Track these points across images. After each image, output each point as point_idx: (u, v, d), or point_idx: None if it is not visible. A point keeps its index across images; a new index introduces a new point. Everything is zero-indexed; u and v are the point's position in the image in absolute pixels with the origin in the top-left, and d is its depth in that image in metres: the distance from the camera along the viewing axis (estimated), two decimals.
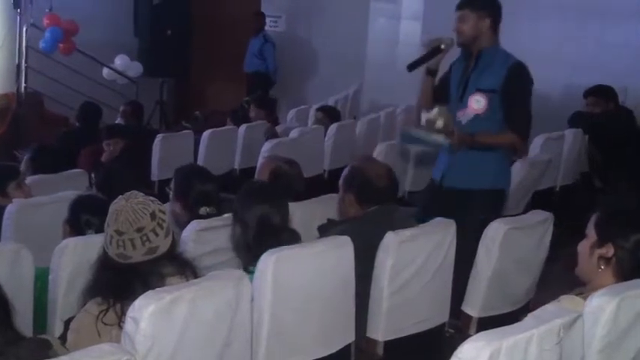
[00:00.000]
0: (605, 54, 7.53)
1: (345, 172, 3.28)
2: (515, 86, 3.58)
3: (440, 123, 3.37)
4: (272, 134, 6.08)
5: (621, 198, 2.15)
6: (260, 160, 5.24)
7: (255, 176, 5.07)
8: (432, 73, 3.75)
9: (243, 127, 6.19)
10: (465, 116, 3.63)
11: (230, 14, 10.08)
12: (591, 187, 5.96)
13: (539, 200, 5.07)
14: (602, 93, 6.17)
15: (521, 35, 7.42)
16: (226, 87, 9.96)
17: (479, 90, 3.61)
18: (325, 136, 6.11)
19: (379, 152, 5.11)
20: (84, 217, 2.99)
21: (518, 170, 4.72)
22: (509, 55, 3.68)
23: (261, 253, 2.49)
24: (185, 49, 9.70)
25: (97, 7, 9.65)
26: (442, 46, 3.63)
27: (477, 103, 3.59)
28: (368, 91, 9.41)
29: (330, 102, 7.98)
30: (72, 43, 8.67)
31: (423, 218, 3.23)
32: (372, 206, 3.10)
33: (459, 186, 3.66)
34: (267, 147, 5.33)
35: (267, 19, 9.38)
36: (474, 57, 3.66)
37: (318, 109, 6.71)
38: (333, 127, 6.14)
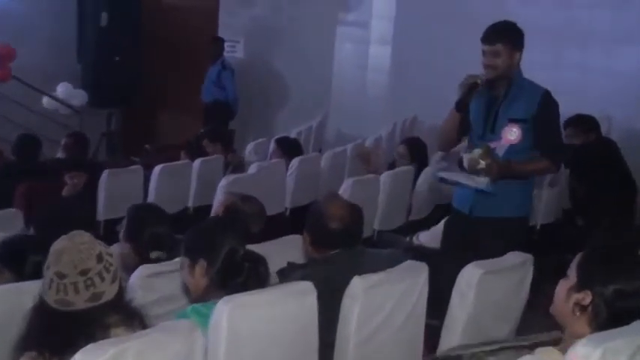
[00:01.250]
0: (587, 80, 7.69)
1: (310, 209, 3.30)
2: (549, 113, 3.87)
3: (483, 164, 3.64)
4: (238, 165, 6.08)
5: (608, 240, 2.17)
6: (217, 197, 5.24)
7: (211, 215, 5.09)
8: (462, 110, 3.90)
9: (198, 162, 6.18)
10: (499, 148, 3.83)
11: (185, 39, 10.13)
12: (574, 225, 6.04)
13: None
14: (581, 123, 6.25)
15: None
16: (181, 118, 9.97)
17: (512, 120, 3.84)
18: (287, 171, 6.12)
19: (345, 189, 5.14)
20: (20, 259, 2.96)
21: None
22: (533, 82, 3.94)
23: (231, 287, 2.51)
24: (135, 77, 9.70)
25: (37, 30, 9.60)
26: (479, 81, 3.84)
27: (512, 134, 3.84)
28: (334, 121, 9.47)
29: (293, 133, 8.01)
30: (8, 70, 8.62)
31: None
32: (328, 250, 3.11)
33: (489, 214, 3.89)
34: (223, 183, 5.33)
35: (226, 45, 9.44)
36: (502, 87, 3.88)
37: (275, 141, 6.74)
38: (295, 161, 6.15)
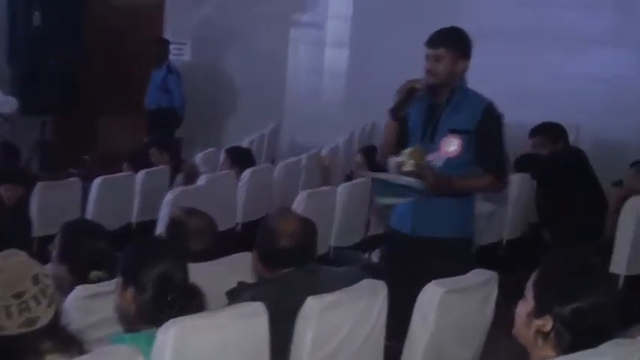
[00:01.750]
0: (554, 85, 7.82)
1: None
2: (493, 126, 3.84)
3: (410, 165, 3.59)
4: (192, 175, 6.06)
5: (564, 256, 2.17)
6: (162, 212, 5.21)
7: (156, 231, 5.06)
8: (400, 118, 3.90)
9: (142, 174, 6.15)
10: (437, 160, 3.78)
11: (129, 41, 10.07)
12: (541, 240, 6.12)
13: (482, 257, 5.17)
14: (549, 131, 6.31)
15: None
16: (123, 126, 9.90)
17: (452, 131, 3.80)
18: (238, 183, 6.12)
19: (300, 202, 5.15)
20: None
21: None
22: (478, 93, 3.92)
23: (160, 320, 2.48)
24: (73, 81, 9.60)
25: None
26: (417, 86, 3.83)
27: (451, 145, 3.79)
28: (288, 129, 9.50)
29: (245, 142, 8.02)
30: None
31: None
32: (279, 269, 3.12)
33: (430, 234, 3.86)
34: (170, 197, 5.31)
35: (171, 47, 9.43)
36: (444, 95, 3.86)
37: (225, 151, 6.74)
38: (246, 172, 6.15)
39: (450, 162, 3.79)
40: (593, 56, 7.71)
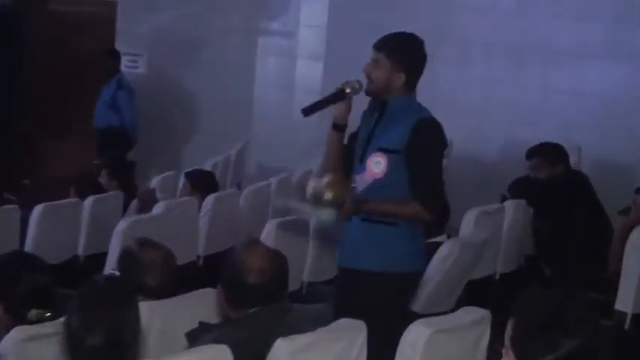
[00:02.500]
0: (548, 102, 7.90)
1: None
2: (419, 145, 3.76)
3: (328, 195, 3.55)
4: (149, 197, 6.02)
5: (537, 300, 2.17)
6: (113, 245, 5.18)
7: (106, 266, 5.03)
8: (339, 127, 3.89)
9: (90, 200, 6.12)
10: (362, 182, 3.77)
11: (75, 52, 10.04)
12: (540, 275, 6.14)
13: (474, 293, 5.19)
14: (547, 153, 6.35)
15: (443, 80, 7.74)
16: (69, 147, 9.85)
17: (380, 149, 3.77)
18: (200, 210, 6.11)
19: (269, 233, 5.15)
20: None
21: (445, 254, 4.84)
22: (423, 109, 3.86)
23: None
24: (11, 98, 9.55)
25: None
26: (347, 90, 3.78)
27: (376, 165, 3.76)
28: (256, 151, 9.50)
29: (207, 166, 8.00)
30: None
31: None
32: (246, 308, 3.10)
33: (355, 265, 3.84)
34: (122, 226, 5.28)
35: (123, 59, 9.40)
36: (380, 108, 3.85)
37: (185, 175, 6.72)
38: (209, 199, 6.14)
39: (377, 183, 3.78)
40: (590, 70, 7.79)
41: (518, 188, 6.33)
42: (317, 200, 3.58)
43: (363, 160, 3.84)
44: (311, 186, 3.61)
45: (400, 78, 3.79)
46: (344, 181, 3.66)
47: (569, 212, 6.07)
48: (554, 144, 6.43)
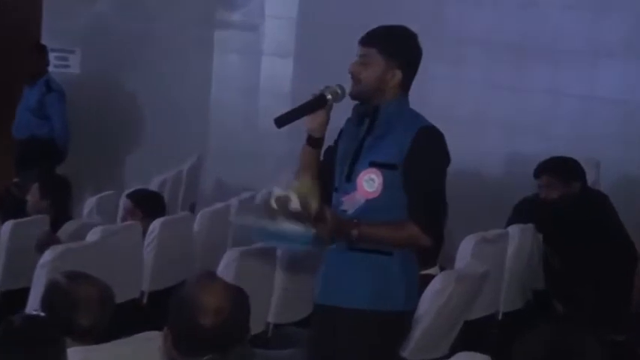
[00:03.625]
0: (559, 108, 7.95)
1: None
2: (421, 159, 3.80)
3: (295, 203, 3.50)
4: (47, 242, 5.96)
5: (538, 344, 2.16)
6: (36, 279, 5.15)
7: (28, 304, 4.99)
8: (315, 141, 3.90)
9: (8, 226, 6.09)
10: (353, 203, 3.76)
11: None
12: (551, 313, 6.16)
13: (472, 335, 5.20)
14: (560, 170, 6.37)
15: (435, 84, 7.79)
16: None
17: (373, 164, 3.78)
18: (144, 238, 6.10)
19: (228, 264, 5.15)
20: None
21: (437, 289, 4.86)
22: (418, 116, 3.90)
23: None
24: None
25: None
26: (328, 96, 3.80)
27: (369, 183, 3.75)
28: (213, 166, 9.50)
29: (154, 184, 8.00)
30: None
31: None
32: (198, 355, 3.09)
33: (339, 303, 3.86)
34: (47, 258, 5.26)
35: (52, 56, 9.37)
36: (369, 117, 3.86)
37: (127, 196, 6.70)
38: (156, 224, 6.13)
39: (370, 204, 3.78)
40: (603, 72, 7.83)
41: (526, 210, 6.35)
42: (283, 210, 3.52)
43: (351, 177, 3.85)
44: (274, 194, 3.58)
45: (396, 76, 3.84)
46: (315, 189, 3.61)
47: (586, 238, 6.09)
48: (567, 158, 6.45)
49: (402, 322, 3.97)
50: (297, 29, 9.34)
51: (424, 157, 3.80)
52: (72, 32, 10.00)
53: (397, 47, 3.85)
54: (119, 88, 9.99)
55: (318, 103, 3.84)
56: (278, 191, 3.57)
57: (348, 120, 3.98)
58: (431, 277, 4.89)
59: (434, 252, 5.11)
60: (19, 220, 6.24)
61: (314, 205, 3.54)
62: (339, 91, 3.86)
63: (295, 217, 3.51)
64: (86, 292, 3.47)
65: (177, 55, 9.68)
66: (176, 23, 9.71)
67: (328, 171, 3.98)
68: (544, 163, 6.43)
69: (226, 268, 5.11)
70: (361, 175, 3.77)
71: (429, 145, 3.82)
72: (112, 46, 9.94)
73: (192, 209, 7.95)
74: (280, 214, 3.53)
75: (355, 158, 3.86)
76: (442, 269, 5.32)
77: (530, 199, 6.52)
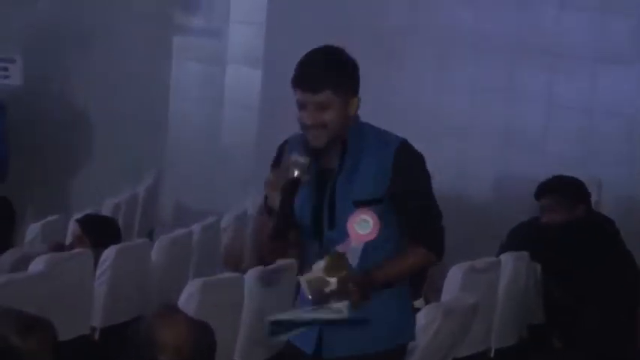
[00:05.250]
0: (554, 120, 7.97)
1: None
2: (408, 179, 3.84)
3: (334, 283, 3.54)
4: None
5: None
6: None
7: None
8: (274, 212, 3.91)
9: None
10: (351, 253, 3.75)
11: None
12: (547, 349, 6.19)
13: None
14: (567, 191, 6.41)
15: (416, 91, 7.81)
16: None
17: (359, 203, 3.77)
18: (96, 268, 6.10)
19: (190, 297, 5.16)
20: None
21: (423, 324, 4.88)
22: (380, 132, 3.91)
23: None
24: None
25: None
26: (296, 173, 3.72)
27: (363, 226, 3.70)
28: (172, 187, 9.50)
29: (106, 208, 8.00)
30: None
31: None
32: None
33: (345, 353, 3.87)
34: None
35: None
36: (335, 154, 3.85)
37: (76, 221, 6.70)
38: (109, 252, 6.13)
39: (368, 247, 3.73)
40: (605, 79, 7.85)
41: (523, 236, 6.37)
42: (319, 295, 3.55)
43: (334, 224, 3.85)
44: (305, 282, 3.57)
45: (355, 104, 3.84)
46: (342, 259, 3.62)
47: (591, 268, 6.12)
48: (572, 178, 6.49)
49: (404, 353, 4.08)
50: (266, 35, 9.36)
51: (411, 178, 3.86)
52: (11, 38, 9.97)
53: (346, 78, 3.83)
54: (66, 100, 9.97)
55: (294, 187, 3.78)
56: (308, 277, 3.59)
57: (292, 152, 3.86)
58: (415, 310, 4.83)
59: (418, 282, 5.14)
60: None
61: (347, 278, 3.59)
62: (304, 162, 3.76)
63: (332, 297, 3.58)
64: (33, 341, 3.46)
65: (131, 63, 9.67)
66: (130, 28, 9.70)
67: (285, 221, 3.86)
68: (547, 183, 6.47)
69: (188, 300, 5.11)
70: (351, 219, 3.71)
71: (411, 162, 3.88)
72: (57, 53, 9.93)
73: (150, 236, 7.95)
74: (316, 300, 3.59)
75: (332, 202, 3.86)
76: (427, 302, 5.36)
77: (527, 223, 6.56)
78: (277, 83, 9.20)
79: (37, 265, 5.75)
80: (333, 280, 3.55)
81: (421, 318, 4.90)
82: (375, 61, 7.42)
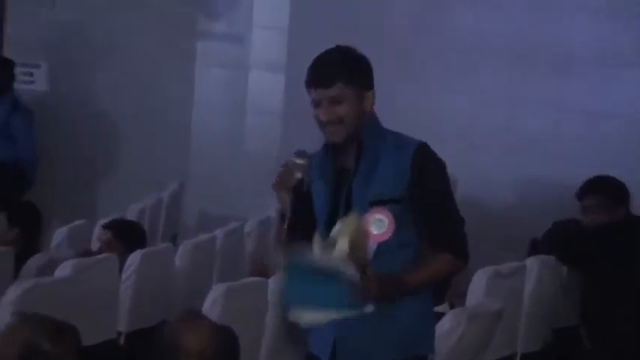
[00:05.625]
0: (568, 127, 7.95)
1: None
2: (428, 180, 3.80)
3: (342, 247, 3.44)
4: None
5: None
6: (1, 320, 5.15)
7: None
8: (294, 226, 3.86)
9: None
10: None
11: None
12: (577, 351, 6.17)
13: None
14: (611, 191, 6.37)
15: (425, 95, 7.79)
16: None
17: (374, 204, 3.75)
18: (121, 272, 6.11)
19: (214, 302, 5.16)
20: None
21: (447, 329, 4.88)
22: (400, 135, 3.88)
23: None
24: None
25: None
26: (298, 175, 3.80)
27: (378, 225, 3.70)
28: (196, 194, 9.50)
29: (132, 213, 8.01)
30: None
31: None
32: None
33: None
34: (13, 295, 5.26)
35: (17, 71, 9.38)
36: (351, 153, 3.83)
37: (105, 227, 6.72)
38: (134, 257, 6.15)
39: (383, 248, 3.72)
40: (615, 84, 7.83)
41: (562, 238, 6.36)
42: (328, 255, 3.46)
43: None
44: (318, 245, 3.50)
45: (369, 98, 3.83)
46: (355, 222, 3.55)
47: (627, 270, 6.09)
48: (613, 179, 6.44)
49: None
50: (289, 40, 9.36)
51: (431, 180, 3.81)
52: (38, 45, 10.00)
53: (360, 69, 3.84)
54: (91, 106, 9.98)
55: (299, 191, 3.80)
56: (321, 241, 3.52)
57: (319, 160, 3.91)
58: (439, 315, 4.87)
59: (442, 287, 5.12)
60: None
61: (363, 249, 3.54)
62: (304, 163, 3.83)
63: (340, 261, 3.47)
64: (63, 347, 3.48)
65: (155, 70, 9.69)
66: (154, 35, 9.72)
67: (306, 221, 3.86)
68: (591, 182, 6.42)
69: (212, 305, 5.10)
70: (366, 218, 3.70)
71: (432, 163, 3.84)
72: (82, 59, 9.95)
73: (174, 241, 7.96)
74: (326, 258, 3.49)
75: (347, 202, 3.82)
76: (452, 307, 5.35)
77: (563, 223, 6.52)
78: (300, 88, 9.09)
79: (63, 270, 5.77)
80: (344, 241, 3.48)
81: (445, 323, 4.89)
82: (395, 70, 7.47)
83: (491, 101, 8.09)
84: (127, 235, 6.52)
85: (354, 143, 3.82)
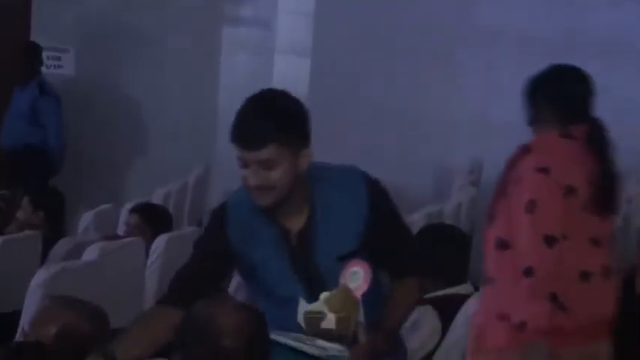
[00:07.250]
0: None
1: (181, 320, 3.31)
2: (386, 215, 3.61)
3: (330, 321, 3.32)
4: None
5: None
6: (28, 301, 5.18)
7: (18, 334, 5.02)
8: None
9: None
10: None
11: None
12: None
13: None
14: None
15: (465, 89, 7.78)
16: None
17: (343, 258, 3.49)
18: (147, 256, 6.14)
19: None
20: None
21: (472, 313, 4.84)
22: (334, 169, 3.61)
23: None
24: None
25: None
26: (322, 325, 3.39)
27: (354, 278, 3.45)
28: (221, 177, 9.51)
29: (157, 197, 8.04)
30: None
31: None
32: None
33: None
34: (41, 278, 5.29)
35: (45, 56, 9.41)
36: (296, 210, 3.52)
37: (133, 210, 6.74)
38: (160, 240, 6.16)
39: (367, 299, 3.48)
40: None
41: None
42: (313, 330, 3.35)
43: (323, 288, 3.47)
44: (302, 310, 3.39)
45: (307, 156, 3.45)
46: (352, 302, 3.37)
47: None
48: None
49: None
50: (315, 25, 9.35)
51: (387, 212, 3.62)
52: (65, 29, 10.03)
53: (293, 128, 3.42)
54: (117, 91, 10.01)
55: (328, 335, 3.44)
56: (308, 307, 3.40)
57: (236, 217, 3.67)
58: (461, 297, 4.74)
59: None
60: (8, 236, 6.28)
61: (352, 324, 3.38)
62: (332, 309, 3.40)
63: (327, 337, 3.35)
64: (97, 326, 3.52)
65: (181, 55, 9.72)
66: (180, 19, 9.75)
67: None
68: None
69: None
70: (342, 277, 3.43)
71: (382, 198, 3.61)
72: (109, 44, 9.99)
73: (200, 224, 7.98)
74: (310, 333, 3.37)
75: (310, 265, 3.53)
76: (476, 288, 5.30)
77: None
78: (326, 73, 9.29)
79: (90, 254, 5.79)
80: (331, 317, 3.33)
81: (471, 306, 4.62)
82: (421, 56, 7.45)
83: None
84: (155, 219, 6.54)
85: (296, 199, 3.48)
